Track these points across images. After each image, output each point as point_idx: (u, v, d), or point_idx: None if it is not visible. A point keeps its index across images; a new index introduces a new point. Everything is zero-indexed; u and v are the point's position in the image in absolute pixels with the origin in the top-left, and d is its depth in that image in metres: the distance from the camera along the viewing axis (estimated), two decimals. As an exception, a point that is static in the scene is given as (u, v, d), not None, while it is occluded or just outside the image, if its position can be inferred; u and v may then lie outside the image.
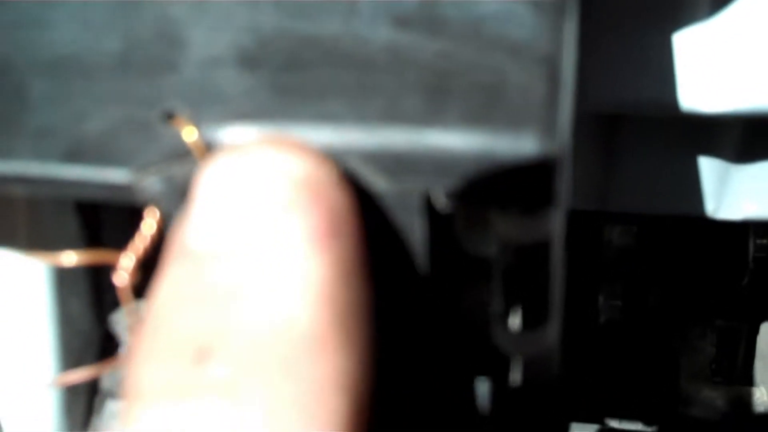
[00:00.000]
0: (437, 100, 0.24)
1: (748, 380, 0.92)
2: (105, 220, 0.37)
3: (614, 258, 0.84)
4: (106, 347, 0.39)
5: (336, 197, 0.22)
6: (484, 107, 0.23)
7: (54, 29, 0.26)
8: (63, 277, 0.36)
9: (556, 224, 0.25)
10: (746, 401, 0.91)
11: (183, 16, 0.25)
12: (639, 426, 0.89)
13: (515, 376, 0.28)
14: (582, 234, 0.79)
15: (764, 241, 0.83)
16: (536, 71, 0.24)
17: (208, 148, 0.24)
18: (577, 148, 0.27)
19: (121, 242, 0.38)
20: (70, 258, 0.27)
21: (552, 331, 0.26)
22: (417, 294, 0.26)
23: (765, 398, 0.90)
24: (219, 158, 0.22)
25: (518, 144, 0.23)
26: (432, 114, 0.24)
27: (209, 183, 0.22)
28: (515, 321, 0.28)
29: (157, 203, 0.24)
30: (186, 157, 0.24)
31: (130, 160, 0.24)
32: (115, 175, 0.24)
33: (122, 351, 0.38)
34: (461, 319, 0.28)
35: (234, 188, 0.21)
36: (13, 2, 0.26)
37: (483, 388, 0.30)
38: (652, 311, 0.89)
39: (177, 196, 0.24)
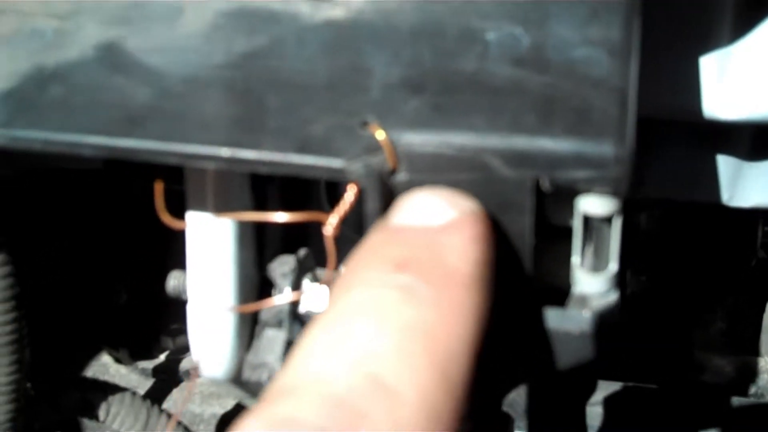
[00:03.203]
0: (545, 118, 0.35)
1: (754, 351, 1.01)
2: (270, 194, 0.49)
3: (641, 239, 0.94)
4: (263, 289, 0.51)
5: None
6: (576, 123, 0.35)
7: (280, 60, 0.37)
8: (238, 234, 0.48)
9: (621, 204, 0.36)
10: (752, 369, 0.99)
11: (368, 52, 0.37)
12: (656, 387, 0.97)
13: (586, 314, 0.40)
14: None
15: (772, 228, 0.93)
16: (612, 99, 0.35)
17: (393, 145, 0.36)
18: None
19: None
20: (282, 216, 0.39)
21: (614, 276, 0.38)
22: (522, 249, 0.38)
23: (768, 367, 0.99)
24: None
25: (600, 149, 0.35)
26: (542, 127, 0.35)
27: (416, 196, 0.35)
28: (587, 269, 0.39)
29: (357, 181, 0.36)
30: (378, 151, 0.36)
31: (341, 152, 0.36)
32: (334, 163, 0.36)
33: (275, 293, 0.50)
34: (546, 265, 0.40)
35: (429, 200, 0.34)
36: (252, 41, 0.38)
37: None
38: (672, 287, 0.99)
39: (372, 177, 0.36)
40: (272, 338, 0.49)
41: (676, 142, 0.63)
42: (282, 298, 0.45)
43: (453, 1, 0.37)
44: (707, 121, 0.55)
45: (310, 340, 0.30)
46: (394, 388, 0.28)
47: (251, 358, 0.50)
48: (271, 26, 0.38)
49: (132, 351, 1.01)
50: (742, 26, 0.54)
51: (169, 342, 1.00)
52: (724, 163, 0.64)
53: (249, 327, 0.50)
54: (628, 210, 0.38)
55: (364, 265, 0.32)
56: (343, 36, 0.37)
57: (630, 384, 0.95)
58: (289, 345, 0.50)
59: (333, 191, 0.53)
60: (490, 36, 0.36)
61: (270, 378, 0.49)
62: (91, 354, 1.01)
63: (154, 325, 1.00)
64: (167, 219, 0.39)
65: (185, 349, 1.01)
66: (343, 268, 0.33)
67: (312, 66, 0.37)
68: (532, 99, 0.36)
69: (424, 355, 0.29)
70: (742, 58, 0.54)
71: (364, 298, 0.31)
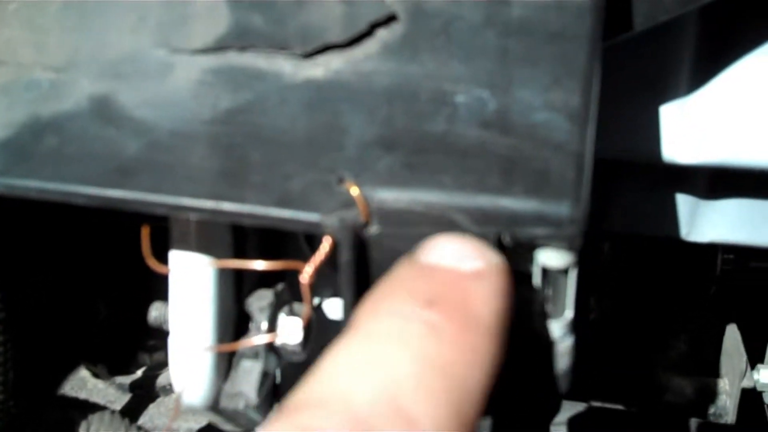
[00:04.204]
0: (508, 178, 0.38)
1: (714, 373, 1.06)
2: (250, 235, 0.51)
3: (606, 267, 0.97)
4: (241, 322, 0.53)
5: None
6: (536, 184, 0.38)
7: (263, 116, 0.40)
8: (218, 273, 0.50)
9: (576, 257, 0.39)
10: (712, 390, 1.03)
11: (345, 111, 0.40)
12: (619, 407, 1.01)
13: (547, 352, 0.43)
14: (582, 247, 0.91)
15: (730, 256, 0.97)
16: (570, 162, 0.38)
17: (366, 201, 0.38)
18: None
19: (259, 255, 0.53)
20: (261, 264, 0.41)
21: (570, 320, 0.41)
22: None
23: (727, 388, 1.02)
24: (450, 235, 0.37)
25: (558, 209, 0.38)
26: (504, 186, 0.38)
27: (447, 239, 0.37)
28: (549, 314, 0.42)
29: (332, 234, 0.39)
30: (352, 207, 0.39)
31: (318, 207, 0.38)
32: (311, 217, 0.38)
33: (253, 326, 0.52)
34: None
35: (459, 245, 0.36)
36: (237, 97, 0.40)
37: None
38: (637, 311, 1.02)
39: (345, 231, 0.38)
40: (248, 369, 0.52)
41: (637, 181, 0.66)
42: (260, 338, 0.48)
43: (426, 63, 0.40)
44: (666, 164, 0.59)
45: (335, 357, 0.32)
46: (412, 416, 0.30)
47: (228, 387, 0.52)
48: (255, 83, 0.40)
49: (110, 366, 1.02)
50: (699, 77, 0.57)
51: (146, 358, 1.02)
52: (683, 201, 0.67)
53: (226, 358, 0.52)
54: (593, 238, 0.40)
55: (393, 295, 0.34)
56: (323, 95, 0.40)
57: (594, 404, 0.98)
58: (264, 376, 0.52)
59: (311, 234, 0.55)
60: (460, 99, 0.39)
61: (246, 406, 0.52)
62: (69, 369, 1.03)
63: (131, 341, 1.02)
64: (153, 263, 0.42)
65: (162, 365, 1.03)
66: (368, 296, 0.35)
67: (292, 123, 0.40)
68: (496, 160, 0.38)
69: (443, 389, 0.31)
70: (699, 106, 0.57)
71: (392, 326, 0.33)
